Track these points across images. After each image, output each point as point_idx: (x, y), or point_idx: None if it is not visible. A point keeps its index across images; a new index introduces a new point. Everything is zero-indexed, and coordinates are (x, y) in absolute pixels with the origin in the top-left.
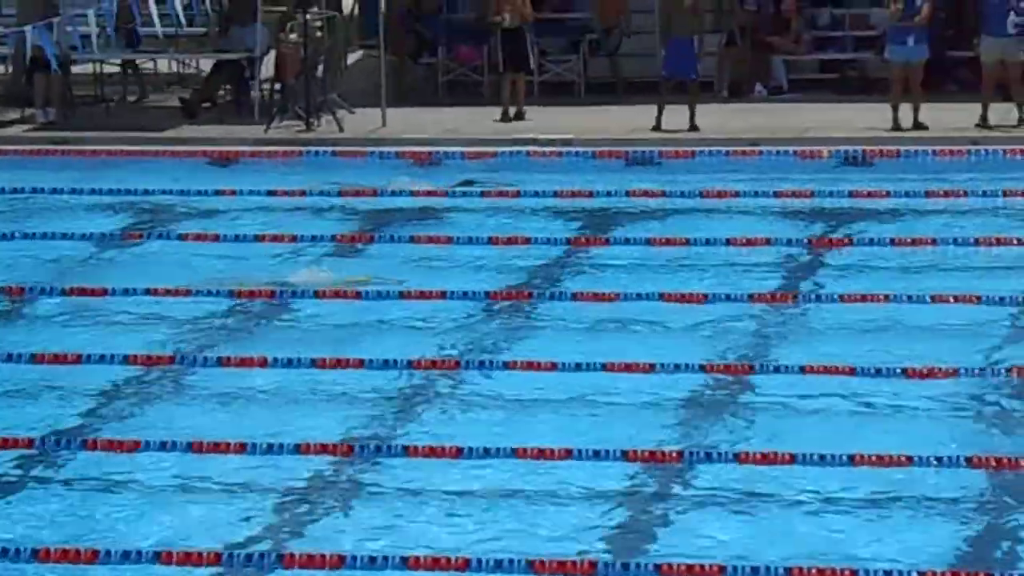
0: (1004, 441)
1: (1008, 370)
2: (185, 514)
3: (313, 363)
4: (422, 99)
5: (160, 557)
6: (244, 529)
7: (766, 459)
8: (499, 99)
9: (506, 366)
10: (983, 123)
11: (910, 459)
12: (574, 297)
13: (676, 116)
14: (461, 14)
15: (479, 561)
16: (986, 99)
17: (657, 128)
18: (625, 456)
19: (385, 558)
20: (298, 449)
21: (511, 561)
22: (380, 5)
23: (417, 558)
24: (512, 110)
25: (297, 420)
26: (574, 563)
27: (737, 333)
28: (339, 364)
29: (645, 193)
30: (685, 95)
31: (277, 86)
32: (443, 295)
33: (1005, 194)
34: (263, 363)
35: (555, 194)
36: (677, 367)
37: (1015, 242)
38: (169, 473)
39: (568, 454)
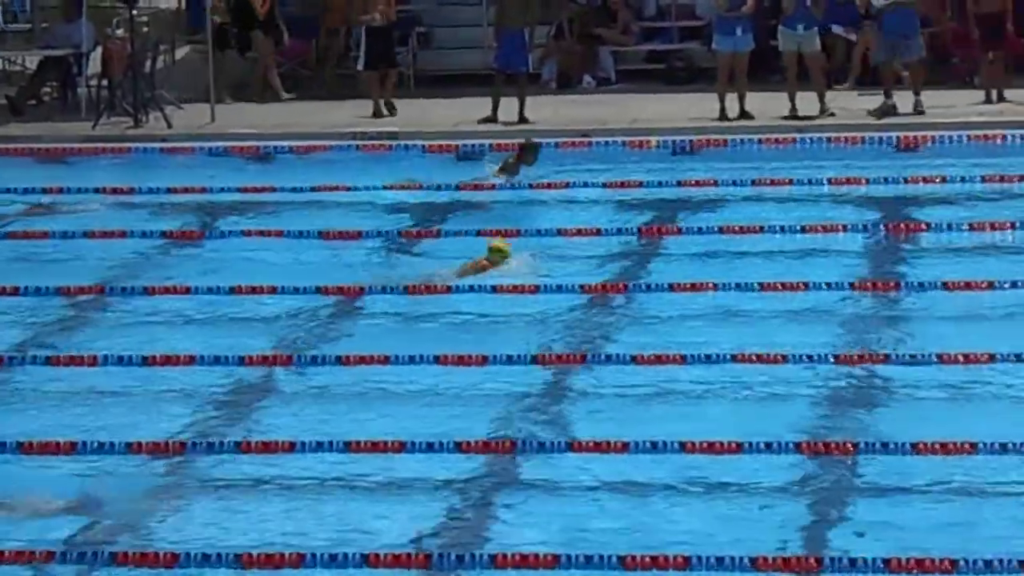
0: (832, 426)
1: (835, 356)
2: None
3: (144, 360)
4: (253, 94)
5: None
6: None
7: (599, 448)
8: (338, 95)
9: (339, 361)
10: (792, 114)
11: (740, 446)
12: (407, 291)
13: (506, 108)
14: (289, 8)
15: (313, 556)
16: (791, 89)
17: (492, 120)
18: (459, 447)
19: (219, 555)
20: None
21: (346, 556)
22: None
23: (250, 554)
24: (382, 104)
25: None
26: (409, 555)
27: (570, 324)
28: (170, 361)
29: (476, 186)
30: (515, 87)
31: (104, 82)
32: (274, 290)
33: (830, 182)
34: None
35: (385, 188)
36: (509, 358)
37: (841, 229)
38: None
39: (402, 446)
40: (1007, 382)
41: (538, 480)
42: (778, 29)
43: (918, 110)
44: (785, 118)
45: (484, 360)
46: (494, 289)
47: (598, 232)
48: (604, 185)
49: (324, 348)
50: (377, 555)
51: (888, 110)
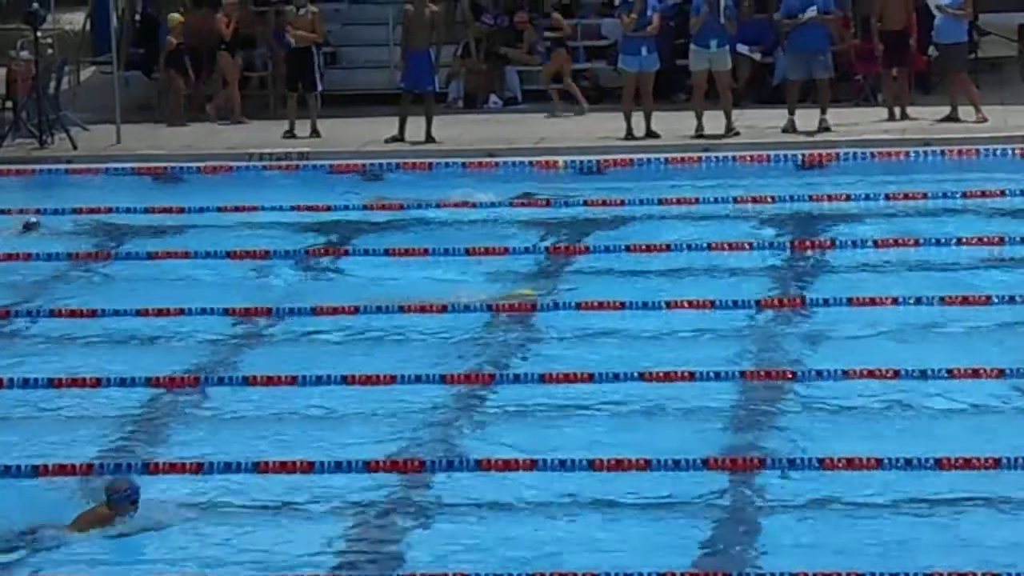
0: (739, 443)
1: (742, 373)
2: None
3: (50, 383)
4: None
5: None
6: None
7: (507, 466)
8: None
9: (246, 381)
10: (699, 132)
11: (647, 463)
12: (314, 312)
13: (413, 128)
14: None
15: None
16: (698, 108)
17: (400, 139)
18: (367, 467)
19: None
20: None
21: None
22: (112, 20)
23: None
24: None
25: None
26: None
27: (479, 342)
28: (76, 383)
29: (384, 206)
30: (422, 106)
31: (9, 104)
32: (181, 312)
33: (736, 200)
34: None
35: (293, 208)
36: (418, 378)
37: (747, 247)
38: None
39: (310, 467)
40: (912, 398)
41: (447, 499)
42: (690, 47)
43: (823, 127)
44: (692, 137)
45: (392, 379)
46: (401, 309)
47: (506, 251)
48: (511, 204)
49: (232, 369)
50: None
51: (789, 127)
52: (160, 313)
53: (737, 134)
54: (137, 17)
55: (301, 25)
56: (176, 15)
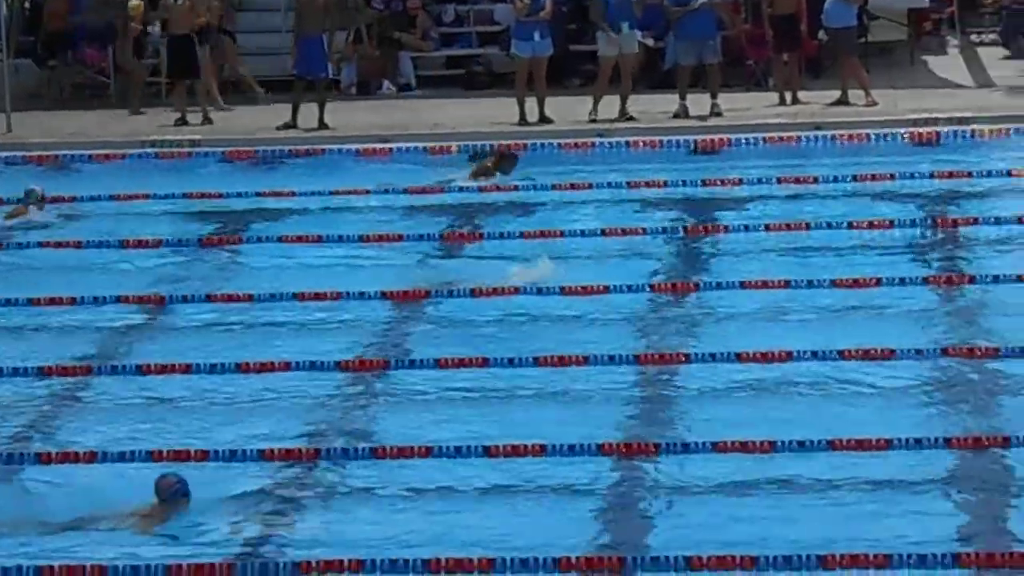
0: (634, 427)
1: (635, 357)
2: None
3: None
4: (53, 103)
5: None
6: None
7: (403, 453)
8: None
9: (139, 370)
10: (592, 117)
11: (543, 448)
12: (208, 299)
13: (306, 114)
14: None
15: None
16: (600, 93)
17: (292, 126)
18: (262, 455)
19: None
20: None
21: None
22: (1, 8)
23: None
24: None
25: None
26: (212, 565)
27: (375, 330)
28: None
29: (277, 193)
30: (315, 93)
31: None
32: (73, 301)
33: (630, 185)
34: None
35: (185, 196)
36: (313, 365)
37: (640, 231)
38: None
39: (205, 455)
40: (804, 379)
41: (344, 485)
42: (598, 33)
43: (715, 112)
44: (585, 122)
45: (287, 366)
46: (295, 296)
47: (400, 238)
48: (406, 191)
49: (125, 358)
50: (179, 566)
51: (681, 112)
52: (53, 302)
53: (631, 119)
54: (27, 5)
55: (180, 13)
56: (136, 1)
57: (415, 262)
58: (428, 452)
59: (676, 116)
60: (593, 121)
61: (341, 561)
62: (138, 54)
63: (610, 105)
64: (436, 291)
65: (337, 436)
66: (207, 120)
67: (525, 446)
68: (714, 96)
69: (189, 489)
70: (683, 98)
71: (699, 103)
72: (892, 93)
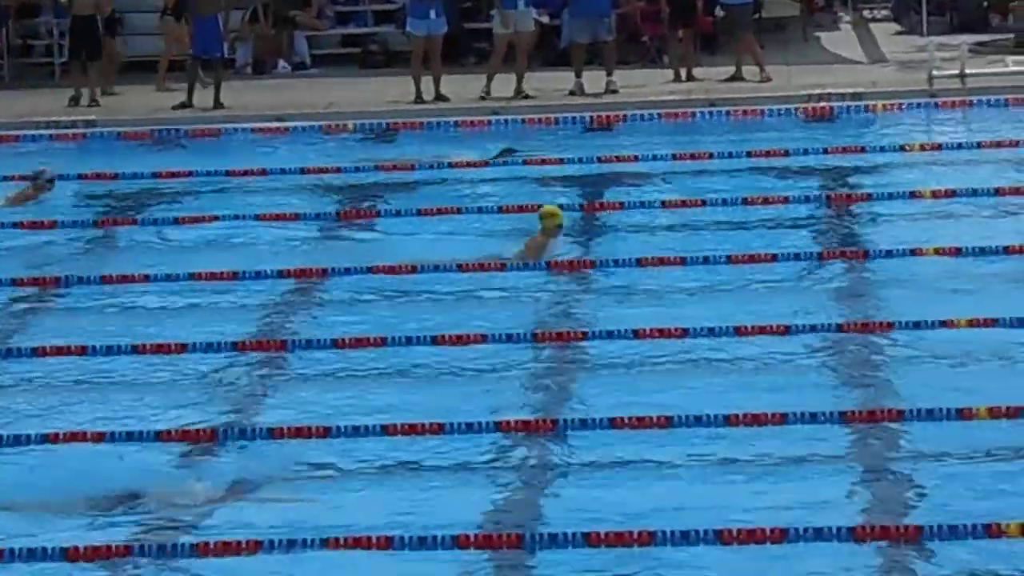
0: (532, 404)
1: (534, 335)
2: None
3: None
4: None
5: None
6: None
7: (298, 433)
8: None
9: (35, 352)
10: (487, 94)
11: (441, 427)
12: (103, 280)
13: (201, 93)
14: None
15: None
16: (494, 71)
17: (188, 105)
18: (158, 436)
19: None
20: None
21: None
22: None
23: None
24: (87, 93)
25: None
26: (109, 547)
27: (270, 308)
28: None
29: (172, 174)
30: (211, 72)
31: None
32: None
33: (526, 162)
34: None
35: (80, 177)
36: (210, 346)
37: (536, 208)
38: None
39: (101, 437)
40: (701, 355)
41: (241, 468)
42: (494, 10)
43: (611, 89)
44: (479, 99)
45: (183, 347)
46: (191, 276)
47: (296, 217)
48: (302, 170)
49: (20, 339)
50: (73, 549)
51: (577, 90)
52: None
53: (527, 97)
54: None
55: None
56: None
57: (312, 241)
58: (326, 432)
59: (572, 93)
60: (483, 99)
61: (239, 543)
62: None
63: (507, 83)
64: (333, 270)
65: (234, 416)
66: (94, 102)
67: (423, 424)
68: (609, 73)
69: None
70: (579, 75)
71: (595, 80)
72: (786, 69)
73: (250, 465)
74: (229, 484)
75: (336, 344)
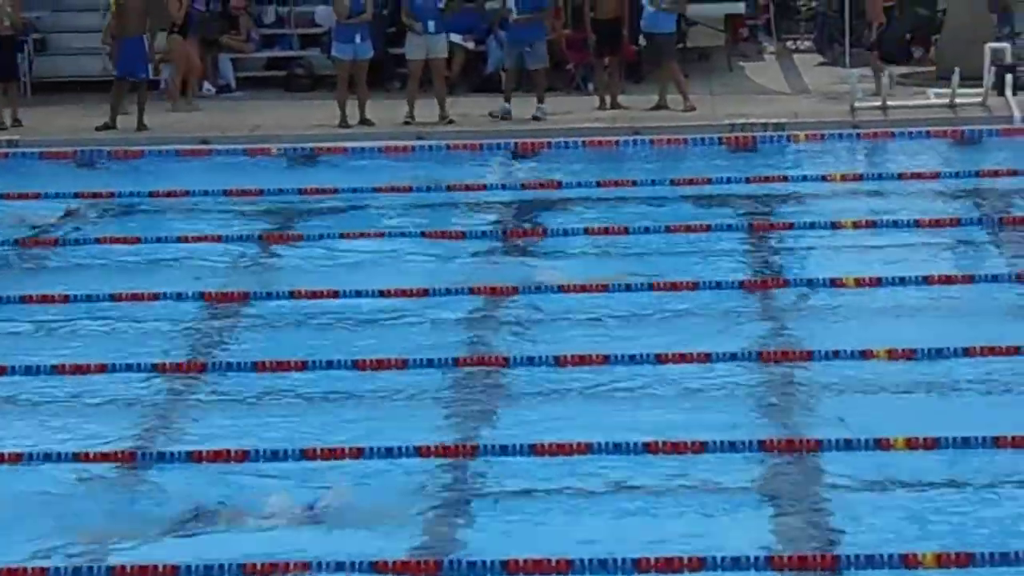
0: (453, 429)
1: (456, 360)
2: None
3: None
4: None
5: None
6: None
7: (219, 456)
8: None
9: None
10: (411, 119)
11: (360, 451)
12: (22, 300)
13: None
14: None
15: None
16: (413, 95)
17: (112, 127)
18: (76, 457)
19: None
20: None
21: None
22: None
23: None
24: (9, 113)
25: None
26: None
27: (192, 332)
28: None
29: (94, 194)
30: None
31: None
32: None
33: (450, 188)
34: None
35: (2, 197)
36: (129, 367)
37: (459, 235)
38: None
39: (18, 458)
40: (622, 382)
41: (162, 490)
42: (406, 35)
43: (536, 116)
44: (403, 124)
45: (103, 368)
46: (112, 297)
47: (219, 239)
48: (225, 193)
49: None
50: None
51: (505, 114)
52: None
53: (451, 122)
54: None
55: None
56: None
57: (234, 263)
58: (244, 456)
59: (492, 115)
60: (408, 123)
61: (156, 566)
62: None
63: (433, 108)
64: (254, 293)
65: (154, 440)
66: (16, 122)
67: (343, 449)
68: (540, 100)
69: None
70: (507, 101)
71: (522, 106)
72: (710, 99)
73: (170, 490)
74: (152, 509)
75: (257, 367)
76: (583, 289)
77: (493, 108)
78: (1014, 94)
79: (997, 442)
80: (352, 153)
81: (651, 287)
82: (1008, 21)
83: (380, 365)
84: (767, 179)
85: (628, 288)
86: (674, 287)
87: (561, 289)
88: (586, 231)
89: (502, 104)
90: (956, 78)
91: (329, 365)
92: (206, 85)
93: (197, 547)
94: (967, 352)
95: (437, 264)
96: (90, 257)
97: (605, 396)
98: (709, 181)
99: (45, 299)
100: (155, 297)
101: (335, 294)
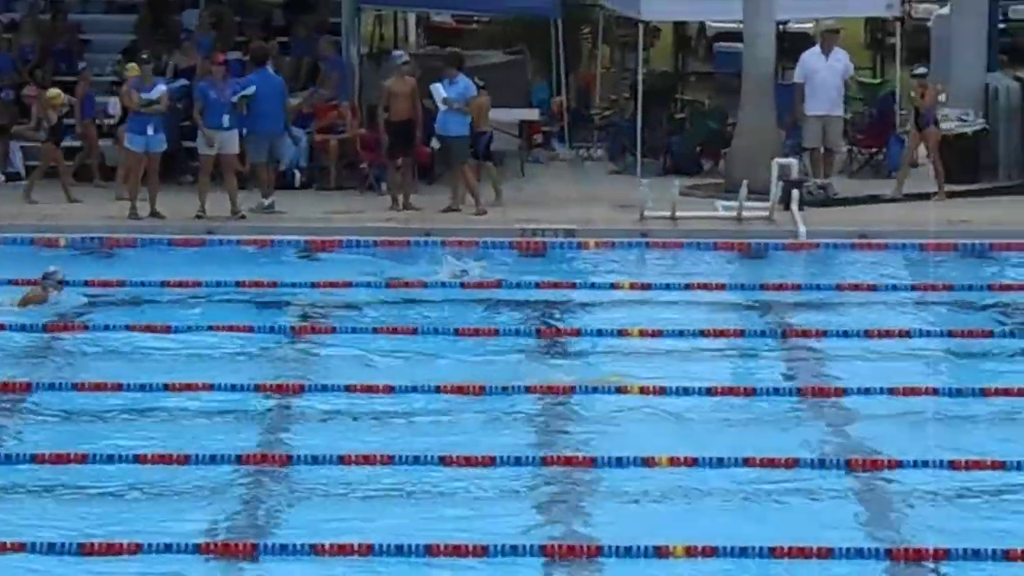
0: (223, 526)
1: (237, 457)
2: None
3: None
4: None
5: None
6: None
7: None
8: None
9: None
10: (203, 213)
11: (139, 546)
12: None
13: None
14: None
15: None
16: (203, 189)
17: None
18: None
19: None
20: None
21: None
22: None
23: None
24: None
25: None
26: None
27: None
28: None
29: None
30: None
31: None
32: None
33: (239, 284)
34: None
35: None
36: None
37: (249, 330)
38: None
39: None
40: (406, 484)
41: None
42: (198, 130)
43: (239, 216)
44: (196, 218)
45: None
46: None
47: (2, 328)
48: (11, 283)
49: None
50: None
51: (269, 209)
52: None
53: (243, 217)
54: None
55: None
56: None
57: (17, 354)
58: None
59: (250, 211)
60: (199, 217)
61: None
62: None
63: (225, 202)
64: (37, 384)
65: None
66: None
67: (121, 544)
68: (265, 197)
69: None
70: (264, 196)
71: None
72: (502, 203)
73: None
74: None
75: (35, 459)
76: (369, 391)
77: (289, 205)
78: (800, 209)
79: (773, 552)
80: (142, 245)
81: (437, 389)
82: (797, 135)
83: (163, 460)
84: (555, 285)
85: (414, 389)
86: (460, 390)
87: (347, 389)
88: (375, 331)
89: (265, 201)
90: (744, 191)
91: (110, 459)
92: None
93: None
94: (747, 462)
95: (224, 361)
96: None
97: (388, 497)
98: (499, 284)
99: None
100: None
101: (119, 387)
